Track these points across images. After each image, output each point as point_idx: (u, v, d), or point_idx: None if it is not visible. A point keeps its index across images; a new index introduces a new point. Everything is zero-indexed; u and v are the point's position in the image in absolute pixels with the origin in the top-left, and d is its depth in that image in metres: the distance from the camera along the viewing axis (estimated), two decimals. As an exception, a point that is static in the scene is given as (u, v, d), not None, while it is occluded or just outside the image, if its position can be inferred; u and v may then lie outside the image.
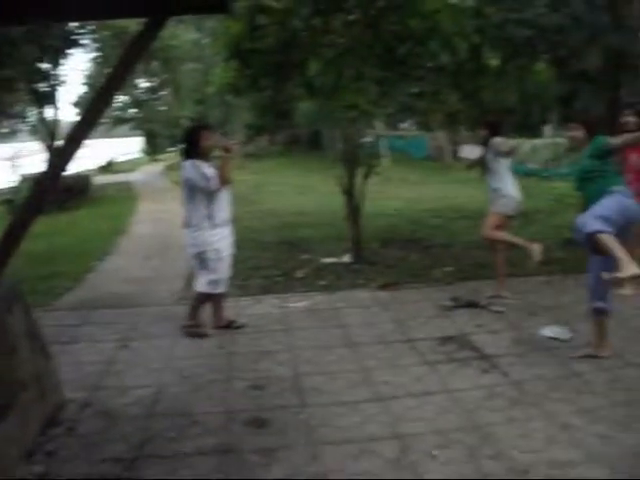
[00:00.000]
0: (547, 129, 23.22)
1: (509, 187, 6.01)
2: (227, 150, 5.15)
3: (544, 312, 5.72)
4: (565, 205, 11.26)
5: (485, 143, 6.05)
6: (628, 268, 3.86)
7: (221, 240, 5.18)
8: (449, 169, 20.09)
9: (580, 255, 5.80)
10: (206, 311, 5.50)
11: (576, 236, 4.32)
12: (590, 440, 3.47)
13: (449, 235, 9.53)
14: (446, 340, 5.09)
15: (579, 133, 4.67)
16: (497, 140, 5.86)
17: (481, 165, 6.20)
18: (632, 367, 4.48)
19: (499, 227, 6.00)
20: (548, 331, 5.19)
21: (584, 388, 4.15)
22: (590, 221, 4.11)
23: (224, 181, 5.10)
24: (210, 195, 5.08)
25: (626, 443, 3.44)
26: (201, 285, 5.27)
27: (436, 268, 7.44)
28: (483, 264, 7.22)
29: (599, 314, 4.60)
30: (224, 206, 5.23)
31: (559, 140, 18.26)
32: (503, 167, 6.00)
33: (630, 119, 6.04)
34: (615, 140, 4.66)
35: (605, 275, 4.00)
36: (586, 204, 4.58)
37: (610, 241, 4.00)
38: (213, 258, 5.14)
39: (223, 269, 5.26)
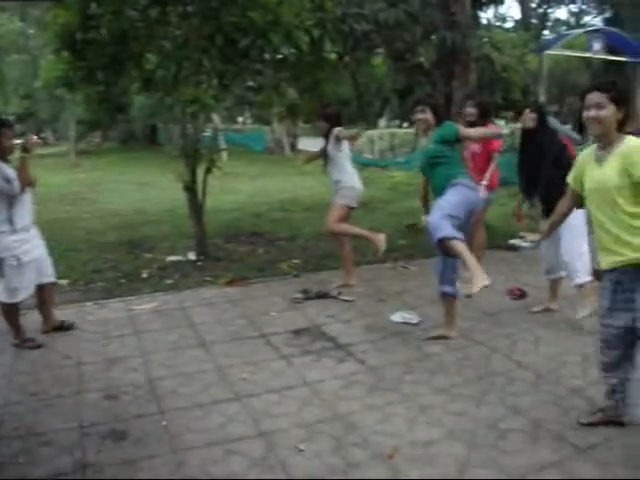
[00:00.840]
0: (382, 120, 24.28)
1: (351, 178, 6.09)
2: (26, 150, 4.79)
3: (392, 298, 5.91)
4: (402, 193, 11.76)
5: (326, 135, 6.11)
6: (479, 280, 4.09)
7: (22, 245, 4.81)
8: (289, 162, 20.31)
9: (420, 242, 6.08)
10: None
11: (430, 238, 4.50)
12: (448, 418, 3.63)
13: (293, 228, 9.61)
14: (300, 333, 5.10)
15: (429, 116, 4.75)
16: (338, 129, 5.93)
17: (323, 157, 6.26)
18: (479, 345, 4.76)
19: (342, 219, 6.10)
20: (398, 316, 5.35)
21: (437, 368, 4.33)
22: (440, 225, 4.28)
23: (26, 183, 4.77)
24: (11, 198, 4.72)
25: (481, 417, 3.63)
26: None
27: (283, 261, 7.47)
28: (329, 255, 7.36)
29: (448, 298, 4.82)
30: (26, 209, 4.89)
31: (394, 131, 19.12)
32: (344, 158, 6.08)
33: (471, 110, 6.38)
34: (469, 132, 4.85)
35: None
36: (433, 189, 4.78)
37: (461, 248, 4.22)
38: (11, 265, 4.77)
39: (24, 277, 4.87)
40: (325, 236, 7.26)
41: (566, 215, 3.80)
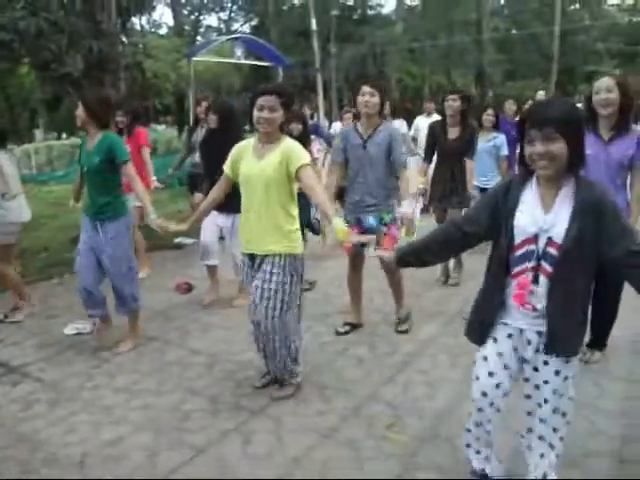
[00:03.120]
0: (38, 133, 23.00)
1: (16, 211, 5.42)
2: None
3: (63, 312, 5.77)
4: (65, 207, 11.30)
5: None
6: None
7: None
8: None
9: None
10: None
11: None
12: (132, 413, 3.82)
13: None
14: (-34, 365, 4.75)
15: (80, 112, 4.48)
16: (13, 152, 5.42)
17: None
18: (153, 341, 5.04)
19: (4, 258, 5.56)
20: (71, 329, 5.29)
21: (116, 370, 4.47)
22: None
23: None
24: None
25: (163, 405, 3.91)
26: None
27: None
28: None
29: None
30: None
31: (52, 143, 18.25)
32: (14, 183, 5.42)
33: (121, 119, 6.49)
34: (134, 176, 4.57)
35: None
36: (86, 200, 4.73)
37: None
38: None
39: None
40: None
41: (217, 200, 3.99)
